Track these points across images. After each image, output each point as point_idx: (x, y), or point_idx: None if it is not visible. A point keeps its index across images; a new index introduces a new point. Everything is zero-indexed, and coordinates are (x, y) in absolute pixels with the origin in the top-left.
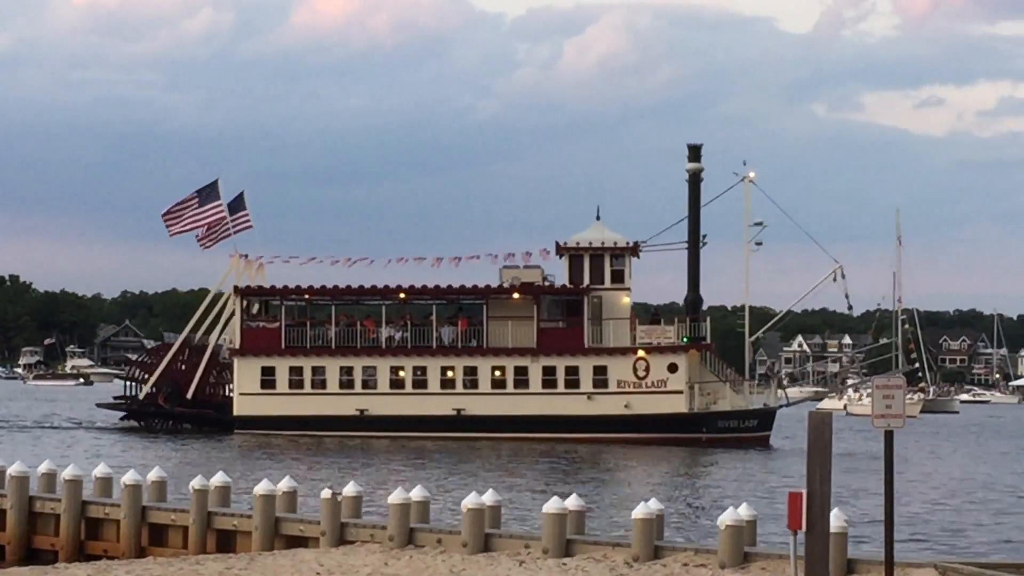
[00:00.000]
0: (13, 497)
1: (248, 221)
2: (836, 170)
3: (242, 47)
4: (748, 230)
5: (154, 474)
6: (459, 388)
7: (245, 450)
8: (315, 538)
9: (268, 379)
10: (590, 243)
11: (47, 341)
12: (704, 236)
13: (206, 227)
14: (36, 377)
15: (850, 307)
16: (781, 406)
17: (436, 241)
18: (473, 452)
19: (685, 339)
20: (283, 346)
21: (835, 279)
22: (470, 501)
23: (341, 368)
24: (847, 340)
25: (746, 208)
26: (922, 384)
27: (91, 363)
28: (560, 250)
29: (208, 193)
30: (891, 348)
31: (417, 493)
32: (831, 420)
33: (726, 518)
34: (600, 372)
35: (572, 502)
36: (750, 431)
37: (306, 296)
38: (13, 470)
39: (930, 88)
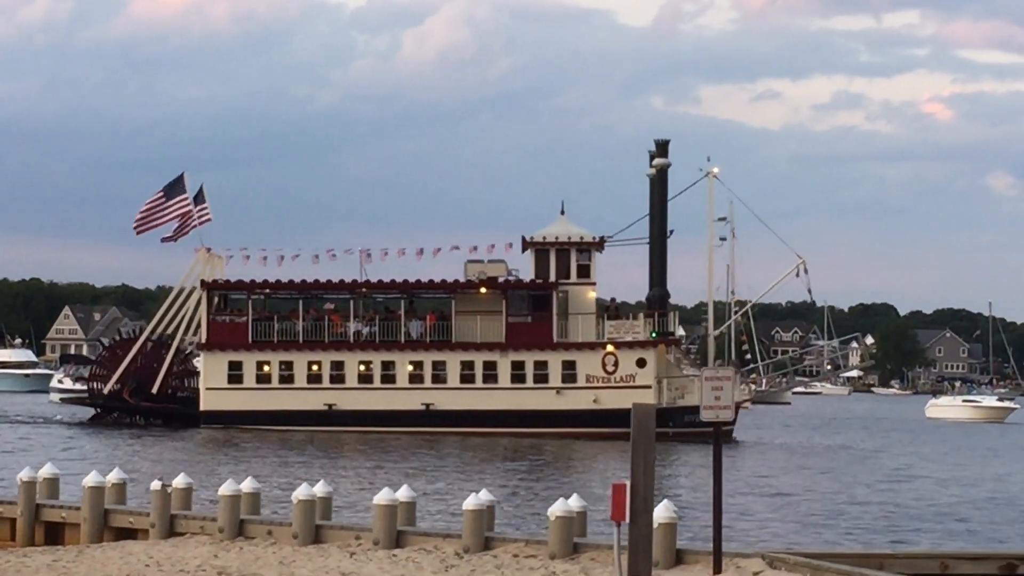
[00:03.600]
0: None
1: (208, 214)
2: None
3: (80, 36)
4: (713, 225)
5: None
6: (428, 383)
7: (210, 445)
8: (145, 530)
9: (235, 373)
10: (556, 238)
11: None
12: (671, 231)
13: (177, 221)
14: None
15: (812, 301)
16: (746, 400)
17: (278, 233)
18: (390, 445)
19: (653, 334)
20: (250, 340)
21: (798, 274)
22: (301, 492)
23: (309, 362)
24: (680, 332)
25: (710, 203)
26: (754, 376)
27: None
28: (526, 245)
29: (174, 187)
30: (723, 340)
31: (247, 485)
32: (654, 412)
33: (556, 509)
34: (569, 367)
35: (403, 493)
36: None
37: (267, 291)
38: None
39: (766, 82)
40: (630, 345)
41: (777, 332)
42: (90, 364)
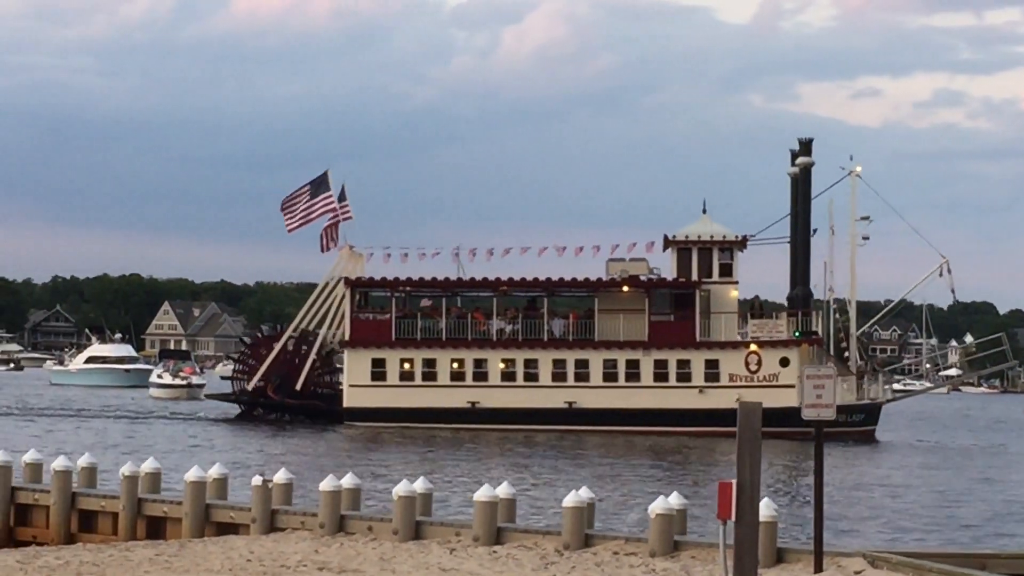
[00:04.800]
0: None
1: (349, 212)
2: (771, 160)
3: (181, 33)
4: (855, 224)
5: (84, 460)
6: (570, 381)
7: (354, 442)
8: (246, 525)
9: (378, 371)
10: (698, 236)
11: None
12: (814, 229)
13: (324, 219)
14: None
15: (956, 300)
16: (888, 400)
17: (374, 231)
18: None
19: (797, 333)
20: (393, 338)
21: (941, 273)
22: (401, 489)
23: (452, 360)
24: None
25: (852, 202)
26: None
27: (20, 348)
28: (667, 243)
29: (319, 185)
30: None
31: (348, 481)
32: (761, 410)
33: (656, 507)
34: (712, 366)
35: (503, 490)
36: (856, 425)
37: (407, 288)
38: None
39: (866, 79)
40: (773, 344)
41: (876, 331)
42: (234, 361)
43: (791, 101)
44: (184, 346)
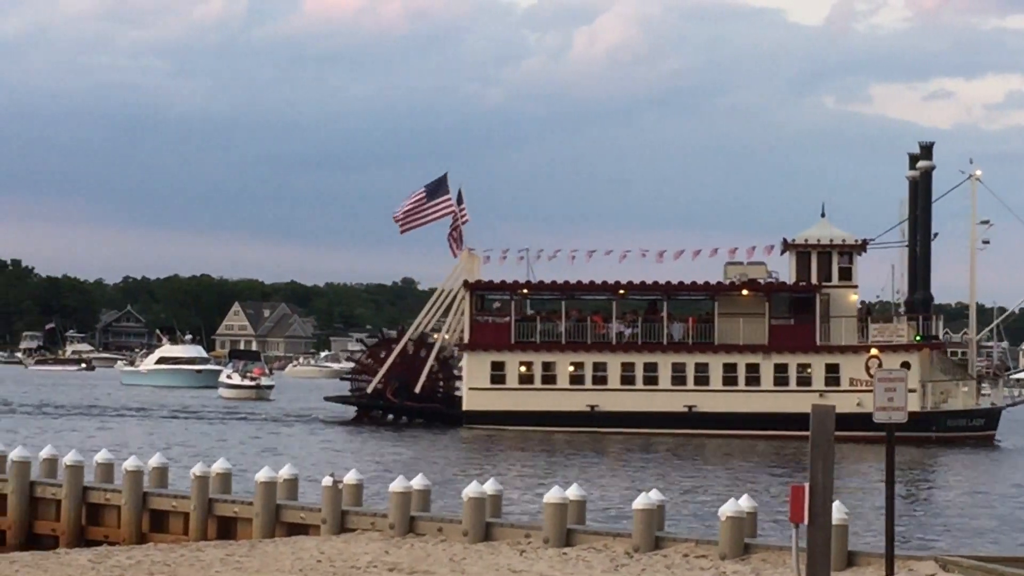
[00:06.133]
0: (14, 482)
1: (466, 215)
2: (843, 161)
3: (253, 34)
4: (976, 228)
5: (155, 460)
6: (690, 385)
7: (472, 445)
8: (316, 526)
9: (498, 374)
10: (818, 240)
11: (48, 326)
12: (935, 233)
13: (440, 221)
14: (37, 362)
15: None
16: (1009, 405)
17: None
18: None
19: (918, 337)
20: (513, 341)
21: None
22: (471, 490)
23: (571, 363)
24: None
25: (973, 206)
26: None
27: (91, 348)
28: (786, 246)
29: (437, 187)
30: None
31: (418, 482)
32: (834, 413)
33: (727, 509)
34: (832, 370)
35: (573, 492)
36: (976, 430)
37: (528, 291)
38: (14, 455)
39: (939, 81)
40: (894, 348)
41: (947, 334)
42: (355, 365)
43: (863, 103)
44: (254, 347)
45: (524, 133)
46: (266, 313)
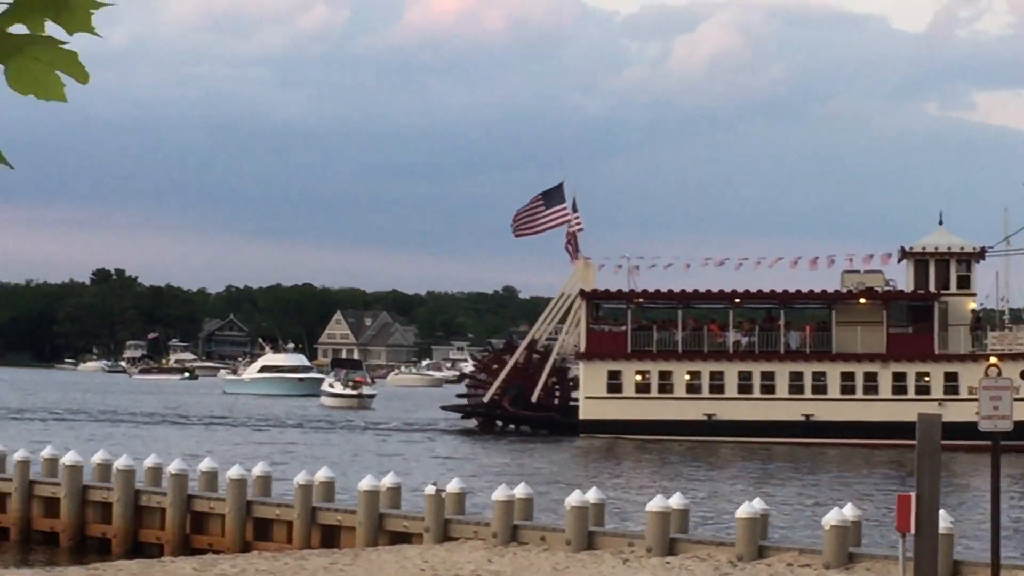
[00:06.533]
0: (120, 491)
1: (581, 223)
2: (946, 168)
3: (355, 44)
4: None
5: (259, 469)
6: (807, 393)
7: (587, 454)
8: (419, 534)
9: (614, 383)
10: (936, 248)
11: (151, 335)
12: None
13: (548, 228)
14: (141, 371)
15: None
16: None
17: (543, 238)
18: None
19: None
20: (629, 350)
21: None
22: (574, 499)
23: (688, 372)
24: None
25: None
26: None
27: (194, 357)
28: (904, 255)
29: (553, 195)
30: None
31: (520, 490)
32: (940, 423)
33: (831, 518)
34: (951, 379)
35: (676, 501)
36: None
37: (645, 300)
38: (120, 463)
39: None
40: (1014, 357)
41: None
42: (471, 374)
43: (966, 109)
44: (356, 355)
45: (626, 141)
46: (368, 322)
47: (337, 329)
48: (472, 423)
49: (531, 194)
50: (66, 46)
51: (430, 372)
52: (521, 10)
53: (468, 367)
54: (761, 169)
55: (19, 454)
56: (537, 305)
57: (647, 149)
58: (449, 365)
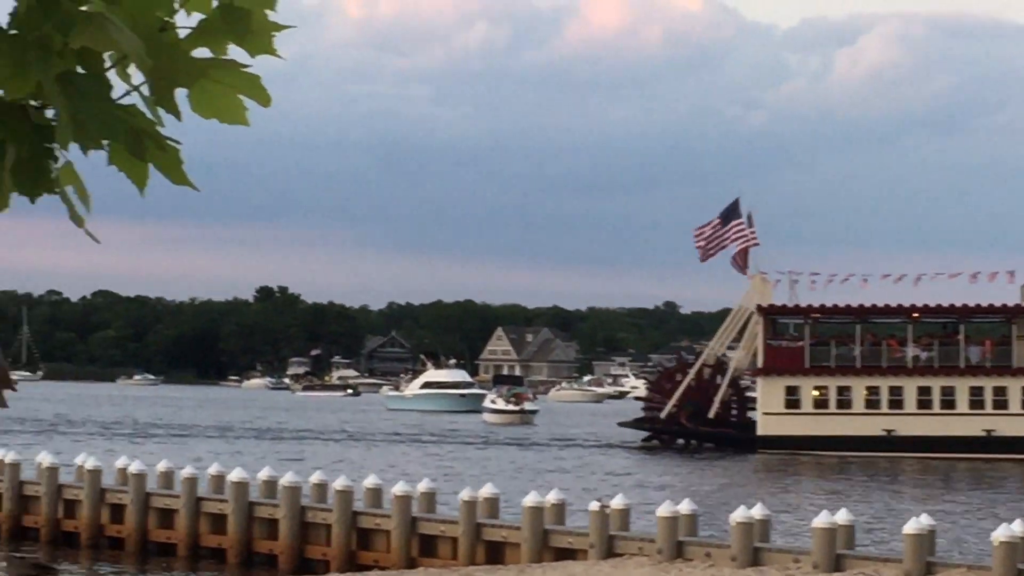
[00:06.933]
0: (286, 507)
1: (756, 238)
2: None
3: (515, 60)
4: None
5: (424, 485)
6: (988, 409)
7: (764, 470)
8: (583, 551)
9: (792, 399)
10: None
11: (314, 352)
12: None
13: (732, 245)
14: (304, 388)
15: None
16: None
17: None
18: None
19: None
20: (807, 365)
21: None
22: (739, 515)
23: (866, 387)
24: None
25: None
26: None
27: (357, 373)
28: None
29: (730, 212)
30: None
31: (685, 506)
32: None
33: (999, 534)
34: None
35: (842, 517)
36: None
37: (818, 315)
38: (285, 480)
39: None
40: None
41: None
42: (647, 390)
43: None
44: (517, 371)
45: (787, 155)
46: (529, 338)
47: (499, 345)
48: (641, 438)
49: (691, 208)
50: (248, 69)
51: (591, 388)
52: (680, 25)
53: (631, 383)
54: (925, 182)
55: (186, 471)
56: (698, 320)
57: (807, 163)
58: (610, 381)
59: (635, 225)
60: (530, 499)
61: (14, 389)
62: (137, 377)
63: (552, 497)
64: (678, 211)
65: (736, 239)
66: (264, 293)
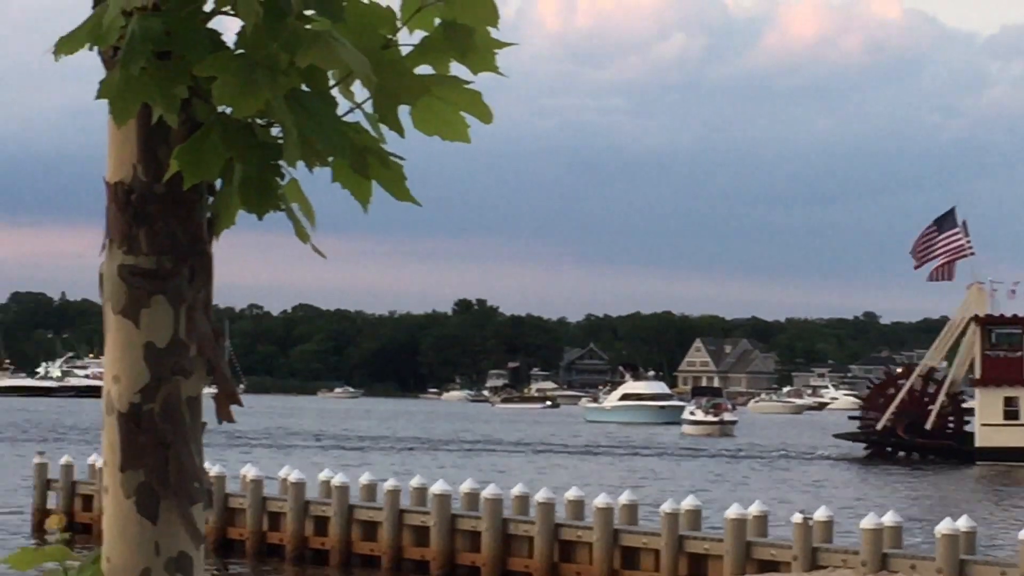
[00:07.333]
0: (488, 519)
1: (971, 248)
2: None
3: (712, 71)
4: None
5: (625, 497)
6: None
7: (981, 481)
8: (787, 563)
9: (1011, 410)
10: None
11: (512, 364)
12: None
13: (944, 256)
14: (503, 400)
15: None
16: None
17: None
18: None
19: None
20: None
21: None
22: (943, 527)
23: None
24: None
25: None
26: None
27: (555, 386)
28: None
29: (945, 221)
30: None
31: (889, 518)
32: None
33: None
34: None
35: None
36: None
37: None
38: (487, 493)
39: None
40: None
41: None
42: (862, 403)
43: None
44: (716, 383)
45: (988, 163)
46: (727, 349)
47: (697, 356)
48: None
49: (890, 218)
50: (470, 86)
51: (791, 399)
52: (878, 34)
53: (831, 395)
54: None
55: (389, 483)
56: (898, 331)
57: (1010, 171)
58: (809, 392)
59: (834, 235)
60: (732, 511)
61: (240, 404)
62: (338, 390)
63: (754, 509)
64: (877, 221)
65: (950, 248)
66: (462, 306)
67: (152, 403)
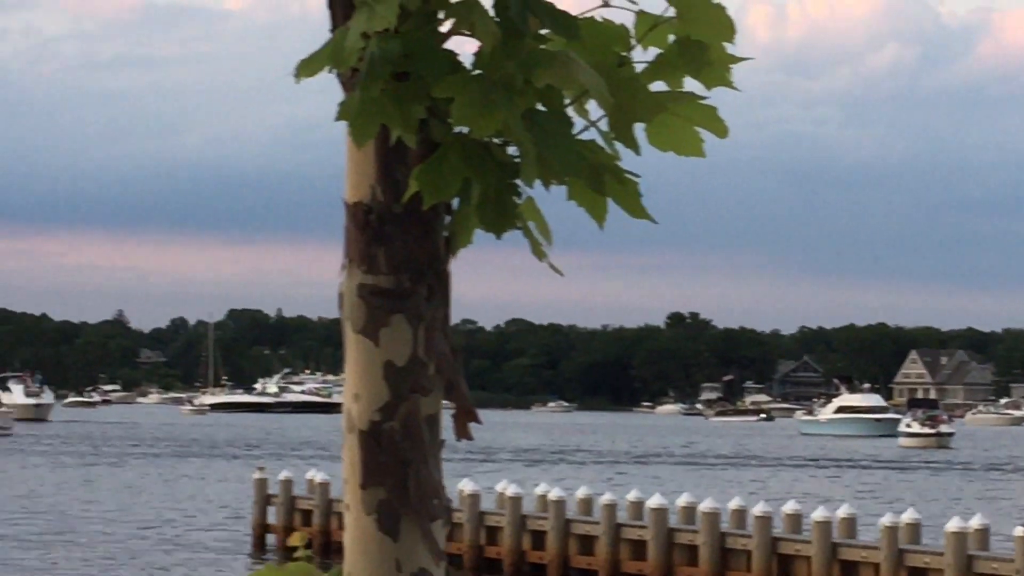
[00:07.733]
0: (705, 533)
1: None
2: None
3: (926, 80)
4: None
5: (843, 510)
6: None
7: None
8: (939, 570)
9: None
10: None
11: (726, 377)
12: None
13: None
14: (717, 413)
15: None
16: None
17: None
18: None
19: None
20: None
21: None
22: None
23: None
24: None
25: None
26: None
27: (769, 398)
28: None
29: None
30: None
31: None
32: None
33: None
34: None
35: None
36: None
37: None
38: (704, 506)
39: None
40: None
41: None
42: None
43: None
44: (932, 395)
45: None
46: (943, 360)
47: (912, 368)
48: None
49: None
50: (705, 101)
51: (1009, 411)
52: None
53: None
54: None
55: (605, 497)
56: None
57: None
58: None
59: None
60: (952, 524)
61: (479, 421)
62: (552, 404)
63: (975, 522)
64: None
65: None
66: (675, 319)
67: (392, 421)
